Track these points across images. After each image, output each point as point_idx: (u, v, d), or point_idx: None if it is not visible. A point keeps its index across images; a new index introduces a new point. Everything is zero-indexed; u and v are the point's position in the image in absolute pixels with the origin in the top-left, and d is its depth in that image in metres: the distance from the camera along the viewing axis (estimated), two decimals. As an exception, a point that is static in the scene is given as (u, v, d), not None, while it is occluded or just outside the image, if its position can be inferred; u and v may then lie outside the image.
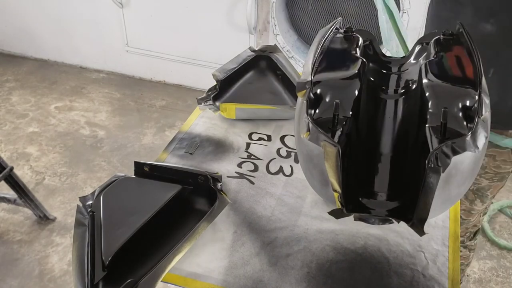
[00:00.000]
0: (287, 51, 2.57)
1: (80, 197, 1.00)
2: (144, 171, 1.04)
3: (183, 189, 0.98)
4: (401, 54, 1.28)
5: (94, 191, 1.00)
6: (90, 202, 0.98)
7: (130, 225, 0.90)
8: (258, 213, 1.01)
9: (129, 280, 0.82)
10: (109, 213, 0.94)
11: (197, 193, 1.02)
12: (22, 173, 2.38)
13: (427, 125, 0.80)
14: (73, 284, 0.84)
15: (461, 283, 1.54)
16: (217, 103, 1.28)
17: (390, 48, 1.30)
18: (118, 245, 0.86)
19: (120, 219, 0.92)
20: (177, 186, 0.98)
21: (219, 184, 1.01)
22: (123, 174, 1.04)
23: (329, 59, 0.94)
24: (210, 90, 1.32)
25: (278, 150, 1.20)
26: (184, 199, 1.00)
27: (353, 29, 1.04)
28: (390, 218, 0.81)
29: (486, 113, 0.77)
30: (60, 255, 1.96)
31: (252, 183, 1.09)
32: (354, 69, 0.91)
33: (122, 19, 2.95)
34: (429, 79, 0.85)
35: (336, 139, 0.80)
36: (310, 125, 0.79)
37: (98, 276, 0.84)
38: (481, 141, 0.74)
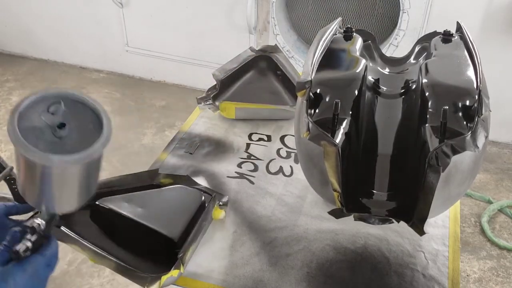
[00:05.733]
0: (287, 51, 2.57)
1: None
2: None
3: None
4: None
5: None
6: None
7: (120, 205, 0.93)
8: (258, 213, 1.01)
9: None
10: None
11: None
12: (22, 173, 2.38)
13: (427, 125, 0.80)
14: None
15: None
16: (216, 103, 1.28)
17: None
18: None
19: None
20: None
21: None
22: (202, 186, 1.05)
23: (329, 59, 0.94)
24: (210, 89, 1.32)
25: (278, 151, 1.20)
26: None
27: (353, 29, 1.04)
28: (390, 218, 0.81)
29: (486, 112, 0.77)
30: (60, 255, 1.95)
31: (252, 183, 1.09)
32: (354, 69, 0.91)
33: (122, 19, 2.95)
34: (429, 79, 0.85)
35: (336, 139, 0.80)
36: (310, 125, 0.79)
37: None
38: (481, 140, 0.74)
